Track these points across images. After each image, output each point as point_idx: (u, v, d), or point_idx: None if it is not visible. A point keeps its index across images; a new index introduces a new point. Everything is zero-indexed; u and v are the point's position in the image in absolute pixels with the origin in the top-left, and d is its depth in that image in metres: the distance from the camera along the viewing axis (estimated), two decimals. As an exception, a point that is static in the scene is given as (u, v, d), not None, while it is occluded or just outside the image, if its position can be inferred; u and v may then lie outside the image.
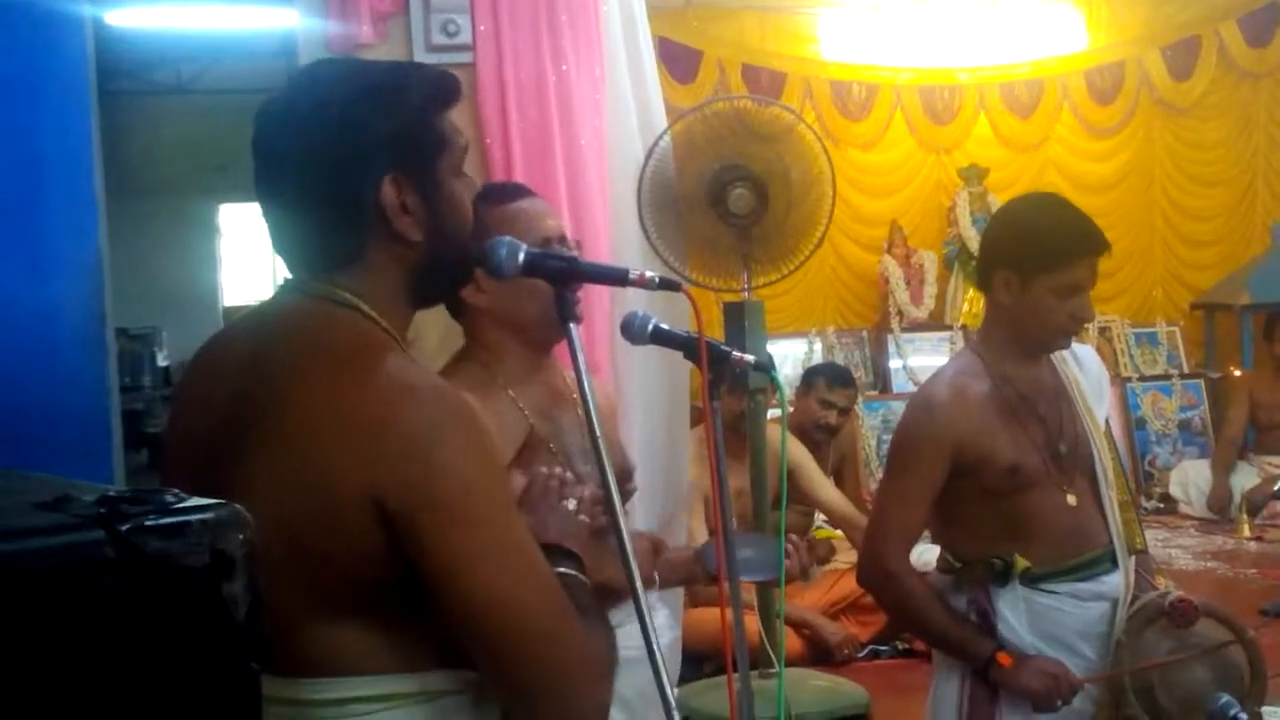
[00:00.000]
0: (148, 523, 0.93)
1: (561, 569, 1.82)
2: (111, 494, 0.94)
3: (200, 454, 1.74)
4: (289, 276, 1.84)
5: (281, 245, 1.84)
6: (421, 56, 4.06)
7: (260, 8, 7.03)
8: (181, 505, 0.94)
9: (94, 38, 5.98)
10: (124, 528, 0.91)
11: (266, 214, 1.82)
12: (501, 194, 2.66)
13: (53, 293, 5.57)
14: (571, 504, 2.05)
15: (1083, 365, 3.18)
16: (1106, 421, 3.17)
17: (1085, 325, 3.06)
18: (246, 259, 14.57)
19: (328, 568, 1.64)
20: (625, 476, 2.78)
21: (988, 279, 3.11)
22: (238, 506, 1.00)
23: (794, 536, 3.98)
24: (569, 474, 2.06)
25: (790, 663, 5.01)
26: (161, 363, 13.56)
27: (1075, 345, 3.25)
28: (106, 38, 7.99)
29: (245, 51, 10.39)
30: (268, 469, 1.64)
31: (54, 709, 0.90)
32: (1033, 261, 2.97)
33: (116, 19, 8.61)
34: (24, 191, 5.41)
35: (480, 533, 1.65)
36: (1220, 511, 7.69)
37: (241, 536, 0.97)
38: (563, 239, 2.64)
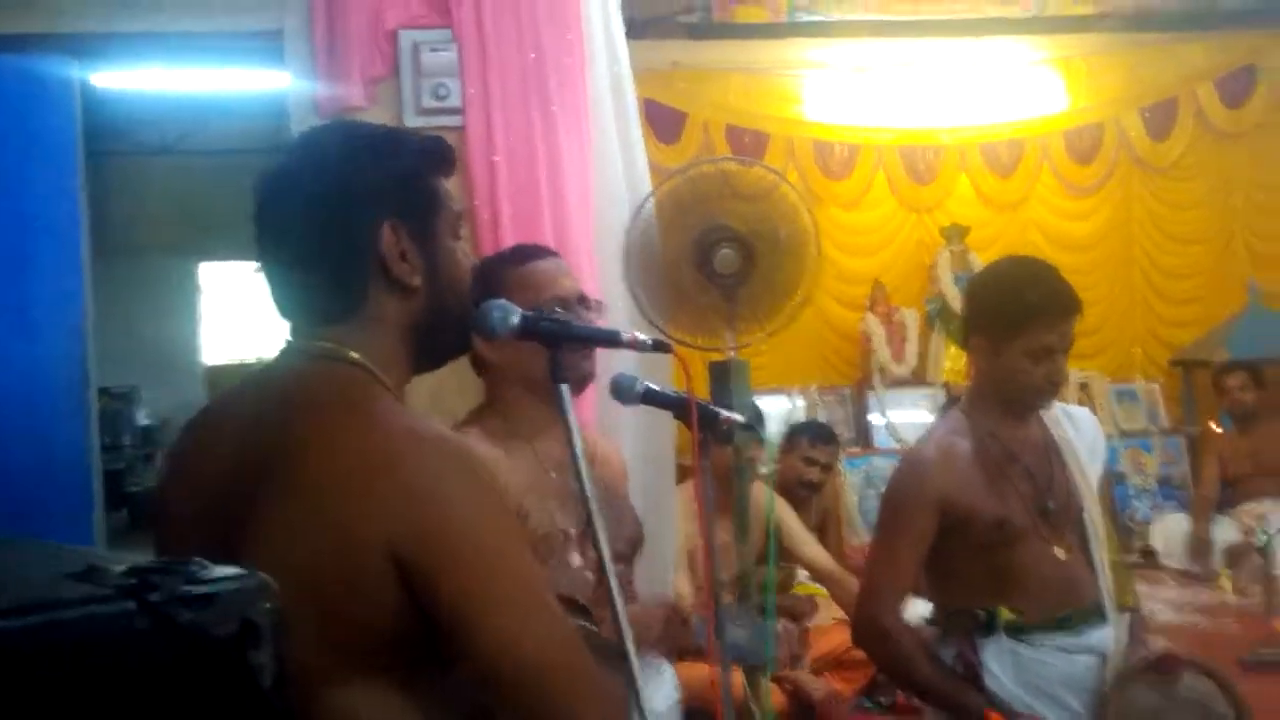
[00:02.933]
0: (178, 593, 0.95)
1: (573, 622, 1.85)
2: (140, 565, 0.97)
3: (206, 517, 1.75)
4: (290, 339, 1.87)
5: (284, 304, 1.88)
6: (411, 120, 4.11)
7: (247, 70, 7.07)
8: (210, 576, 0.97)
9: (81, 99, 6.03)
10: (155, 598, 0.93)
11: (268, 274, 1.86)
12: (522, 255, 2.73)
13: (38, 354, 5.59)
14: (576, 560, 2.08)
15: (1077, 426, 3.24)
16: (1101, 482, 3.21)
17: (1058, 386, 3.10)
18: (228, 318, 14.57)
19: (346, 625, 1.65)
20: (635, 535, 2.82)
21: (968, 342, 3.18)
22: (264, 576, 1.02)
23: (787, 623, 4.00)
24: (572, 530, 2.10)
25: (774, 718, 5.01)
26: (142, 422, 13.52)
27: (1071, 408, 3.34)
28: (94, 99, 8.01)
29: (231, 113, 10.44)
30: (281, 528, 1.66)
31: None
32: (1004, 325, 3.05)
33: (103, 81, 8.65)
34: (12, 252, 5.44)
35: (496, 580, 1.67)
36: (1201, 561, 7.73)
37: (268, 605, 1.00)
38: (581, 299, 2.69)
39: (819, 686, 5.49)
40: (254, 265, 1.89)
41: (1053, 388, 3.08)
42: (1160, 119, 9.53)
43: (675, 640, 2.65)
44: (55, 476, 5.70)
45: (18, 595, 0.94)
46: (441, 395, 3.31)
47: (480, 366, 2.68)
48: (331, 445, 1.67)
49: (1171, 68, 9.46)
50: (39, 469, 5.46)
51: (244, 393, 1.90)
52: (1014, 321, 3.04)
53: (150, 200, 13.10)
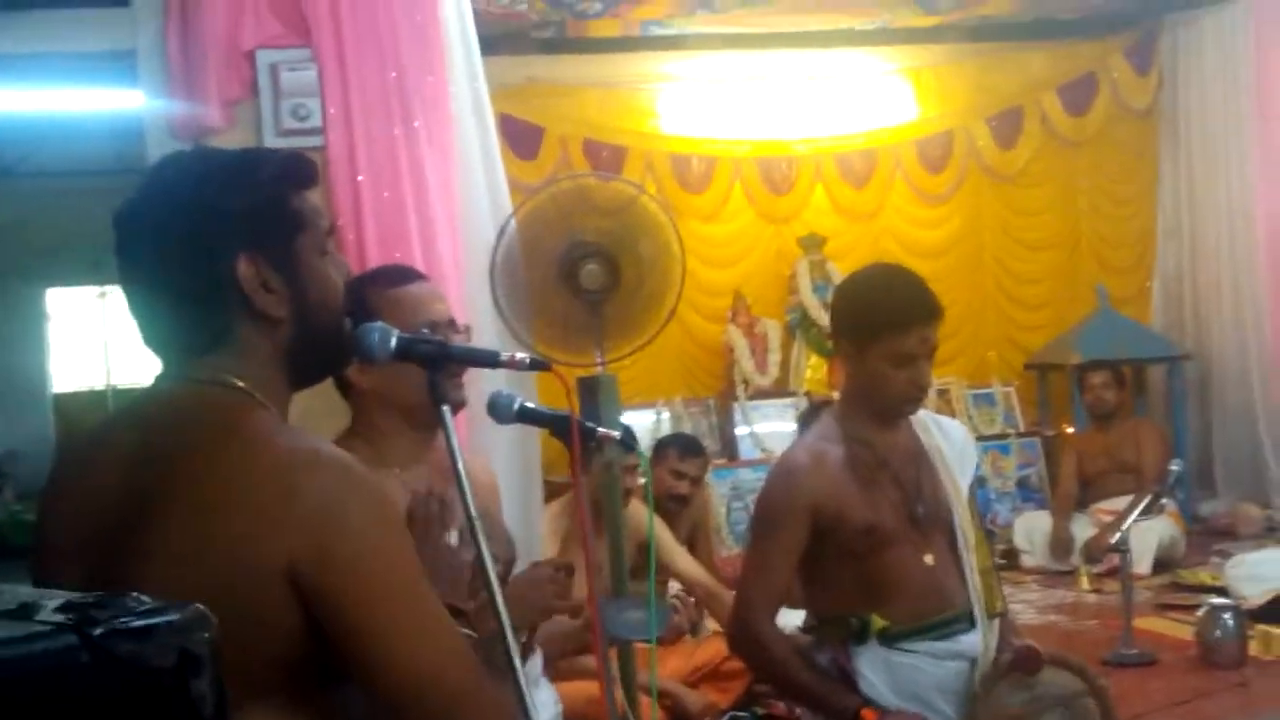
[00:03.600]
0: (118, 626, 0.94)
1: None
2: (76, 600, 0.96)
3: (89, 548, 1.71)
4: (163, 368, 1.84)
5: (151, 335, 1.84)
6: (271, 140, 4.07)
7: (93, 90, 6.92)
8: (147, 608, 0.96)
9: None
10: (96, 632, 0.92)
11: (132, 306, 1.82)
12: (392, 277, 2.70)
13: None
14: (453, 538, 2.08)
15: (947, 434, 3.28)
16: (971, 490, 3.27)
17: (923, 391, 3.14)
18: (76, 344, 14.24)
19: (243, 649, 1.59)
20: (509, 556, 2.81)
21: (835, 349, 3.24)
22: (201, 608, 1.02)
23: (681, 593, 4.01)
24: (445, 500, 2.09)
25: (652, 730, 5.02)
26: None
27: (942, 418, 3.39)
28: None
29: (74, 134, 10.21)
30: (171, 556, 1.63)
31: None
32: (865, 332, 3.10)
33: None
34: None
35: (392, 599, 1.67)
36: (1061, 557, 7.91)
37: (206, 635, 0.99)
38: (451, 323, 2.67)
39: (695, 698, 5.51)
40: (100, 290, 1.85)
41: (917, 392, 3.12)
42: (1006, 127, 9.77)
43: (556, 598, 2.62)
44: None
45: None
46: (307, 418, 3.27)
47: (347, 390, 2.64)
48: (222, 470, 1.65)
49: (1016, 77, 9.71)
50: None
51: (123, 421, 1.86)
52: (875, 328, 3.08)
53: (-9, 225, 12.77)
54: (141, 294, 1.81)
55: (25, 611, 0.95)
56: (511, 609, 2.06)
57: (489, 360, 2.19)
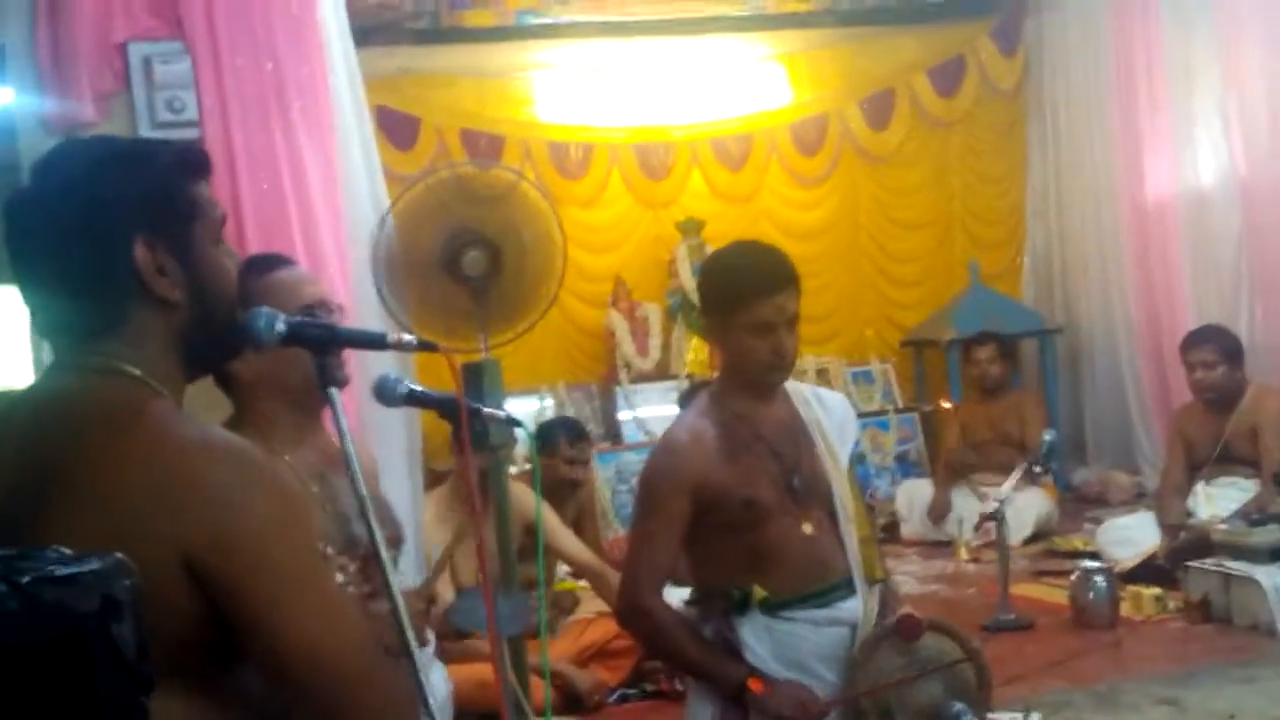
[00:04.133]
0: (44, 574, 0.98)
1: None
2: (3, 551, 0.99)
3: None
4: (56, 357, 1.84)
5: (45, 324, 1.84)
6: (147, 133, 4.04)
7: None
8: (70, 557, 0.99)
9: None
10: (24, 580, 0.95)
11: (26, 296, 1.82)
12: (263, 264, 2.70)
13: None
14: (340, 578, 2.10)
15: (826, 408, 3.34)
16: (851, 461, 3.34)
17: (786, 359, 3.17)
18: (5, 343, 13.91)
19: None
20: (396, 535, 2.84)
21: (703, 327, 3.30)
22: (121, 556, 1.05)
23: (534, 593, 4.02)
24: (329, 550, 2.11)
25: (543, 712, 5.07)
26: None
27: (823, 391, 3.45)
28: None
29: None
30: (68, 542, 1.62)
31: None
32: (723, 305, 3.16)
33: None
34: None
35: (294, 583, 1.69)
36: (938, 521, 8.07)
37: (128, 583, 1.03)
38: (324, 304, 2.69)
39: (585, 678, 5.57)
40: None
41: (780, 360, 3.16)
42: (879, 110, 9.93)
43: (427, 627, 2.67)
44: None
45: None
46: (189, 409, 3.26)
47: (228, 382, 2.64)
48: (118, 459, 1.66)
49: (887, 60, 9.87)
50: None
51: (14, 412, 1.84)
52: (730, 300, 3.14)
53: None
54: (35, 280, 1.80)
55: None
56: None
57: (377, 342, 2.21)
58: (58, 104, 4.01)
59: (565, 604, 6.36)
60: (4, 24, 4.10)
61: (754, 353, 3.13)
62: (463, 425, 2.29)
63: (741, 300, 3.10)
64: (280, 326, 2.03)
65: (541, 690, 5.36)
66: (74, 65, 4.01)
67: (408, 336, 2.18)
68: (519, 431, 3.01)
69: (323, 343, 2.09)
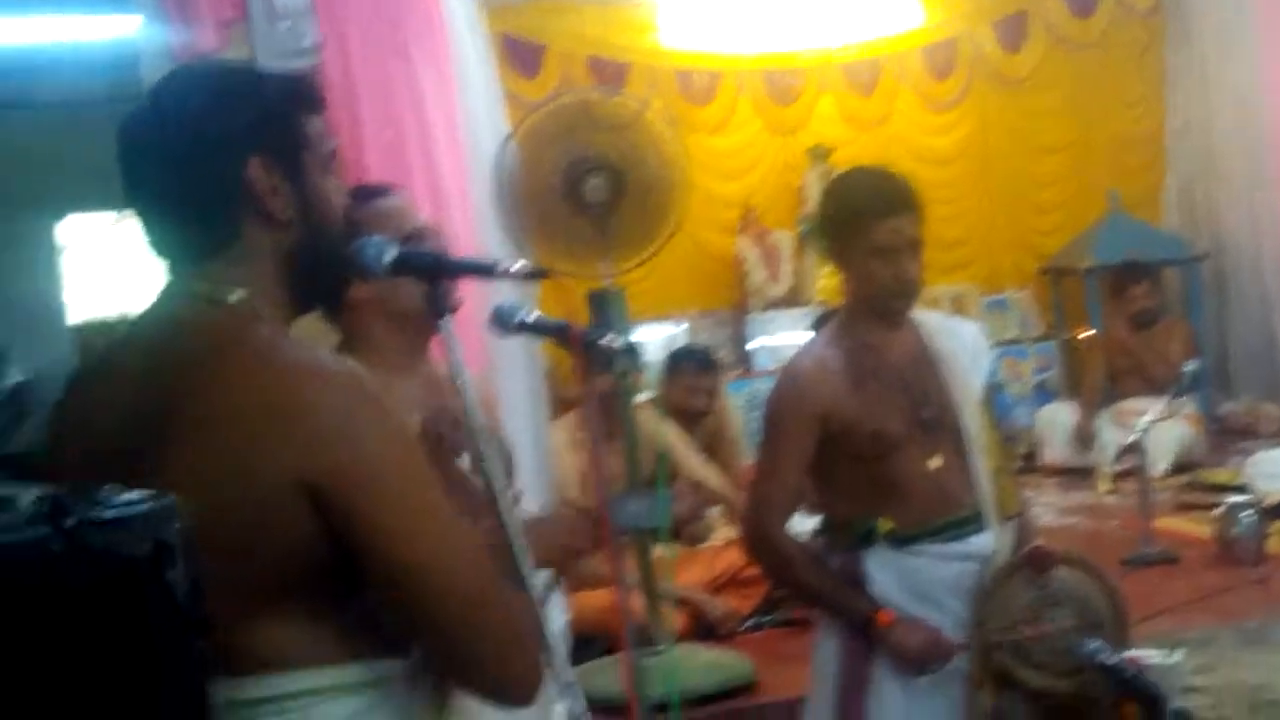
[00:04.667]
0: (91, 518, 0.95)
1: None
2: (52, 493, 0.97)
3: (102, 470, 1.71)
4: (167, 280, 1.84)
5: (157, 244, 1.84)
6: (266, 62, 4.03)
7: (96, 17, 6.89)
8: (121, 500, 0.97)
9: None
10: (69, 523, 0.93)
11: (139, 215, 1.82)
12: (367, 193, 2.68)
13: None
14: (465, 462, 2.08)
15: (958, 337, 3.27)
16: (985, 392, 3.25)
17: (909, 285, 3.10)
18: (92, 273, 14.22)
19: (258, 560, 1.64)
20: (508, 467, 2.81)
21: (827, 255, 3.24)
22: (174, 498, 1.03)
23: (681, 485, 3.96)
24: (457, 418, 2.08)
25: (678, 639, 5.06)
26: (11, 380, 13.19)
27: (954, 320, 3.38)
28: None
29: (80, 63, 10.16)
30: (185, 471, 1.62)
31: (7, 700, 0.92)
32: (843, 229, 3.11)
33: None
34: None
35: (407, 507, 1.68)
36: (1084, 445, 7.90)
37: (179, 526, 1.00)
38: (426, 231, 2.66)
39: (717, 605, 5.55)
40: (115, 217, 1.85)
41: (902, 287, 3.08)
42: (1012, 32, 9.65)
43: (580, 542, 2.60)
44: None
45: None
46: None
47: (337, 310, 2.63)
48: (229, 385, 1.66)
49: (1020, -20, 9.59)
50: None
51: (131, 341, 1.87)
52: (848, 225, 3.09)
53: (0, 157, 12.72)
54: (150, 199, 1.81)
55: (3, 505, 0.96)
56: (533, 548, 2.06)
57: (487, 269, 2.18)
58: (181, 33, 4.02)
59: (700, 531, 6.34)
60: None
61: (875, 278, 3.07)
62: (577, 352, 2.27)
63: (860, 224, 3.04)
64: (390, 255, 2.01)
65: (675, 616, 5.37)
66: (196, -7, 4.02)
67: (518, 263, 2.13)
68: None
69: (432, 270, 2.07)
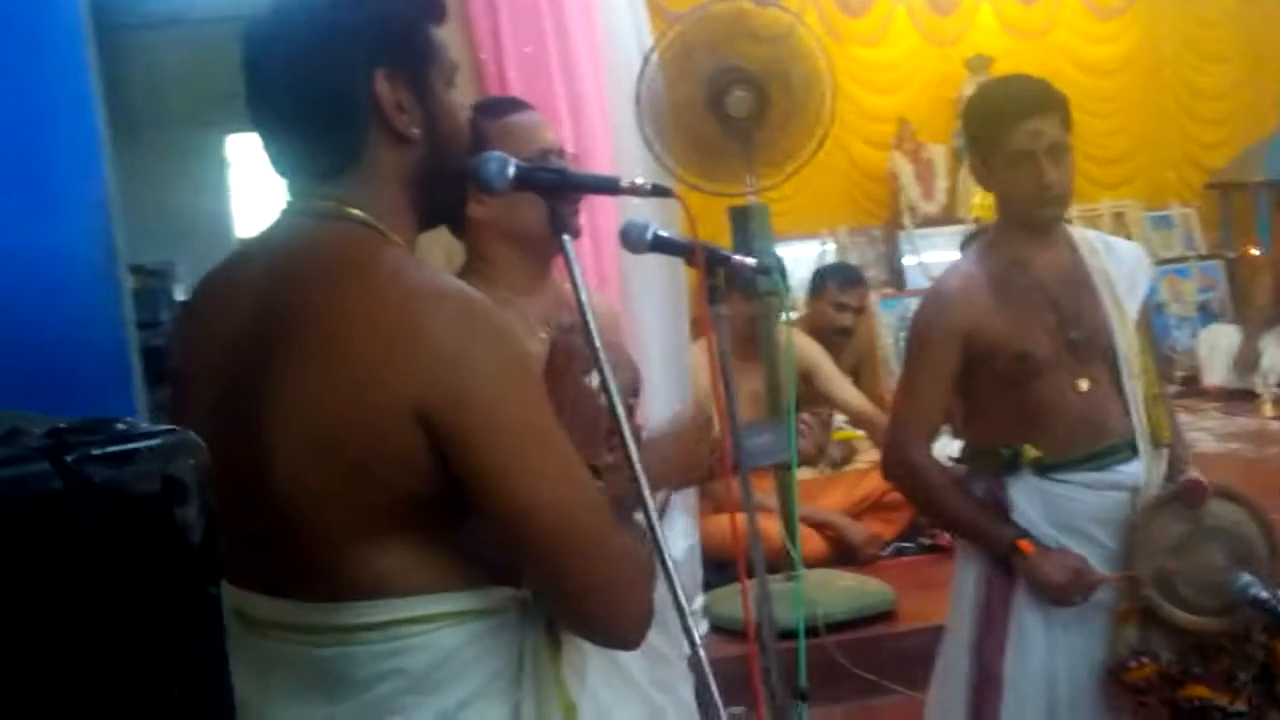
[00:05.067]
0: (94, 452, 0.92)
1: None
2: (61, 425, 0.94)
3: (222, 384, 1.72)
4: (289, 199, 1.81)
5: (280, 161, 1.80)
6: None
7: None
8: (130, 433, 0.94)
9: (85, -28, 5.93)
10: (70, 458, 0.90)
11: (262, 132, 1.80)
12: (498, 108, 2.65)
13: (61, 231, 5.56)
14: (594, 379, 2.04)
15: (1116, 255, 3.13)
16: (1141, 315, 3.13)
17: (1052, 189, 2.96)
18: (258, 189, 14.48)
19: (370, 483, 1.62)
20: (634, 385, 2.78)
21: (971, 171, 3.15)
22: (189, 432, 1.00)
23: (806, 416, 3.91)
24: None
25: (815, 564, 5.02)
26: (179, 297, 13.51)
27: (1113, 239, 3.25)
28: (98, -28, 7.89)
29: (241, -21, 10.29)
30: (302, 390, 1.61)
31: (6, 641, 0.90)
32: (982, 139, 3.01)
33: (105, -48, 8.50)
34: (25, 132, 5.39)
35: (524, 438, 1.64)
36: (1246, 370, 7.65)
37: (193, 462, 0.97)
38: (560, 152, 2.63)
39: (859, 530, 5.49)
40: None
41: (1045, 192, 2.94)
42: (1186, -66, 9.27)
43: (697, 460, 2.54)
44: (91, 355, 5.71)
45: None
46: (426, 257, 3.24)
47: (461, 225, 2.61)
48: (348, 307, 1.63)
49: (1194, -121, 9.19)
50: (73, 348, 5.47)
51: (253, 254, 1.84)
52: (987, 132, 2.98)
53: (167, 73, 12.94)
54: (274, 114, 1.78)
55: (9, 439, 0.93)
56: (655, 467, 2.02)
57: (609, 186, 2.13)
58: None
59: (841, 453, 6.28)
60: None
61: (1016, 185, 2.96)
62: (701, 269, 2.22)
63: (996, 129, 2.93)
64: (511, 171, 1.96)
65: (814, 541, 5.33)
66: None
67: (640, 180, 2.08)
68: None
69: (554, 187, 2.02)
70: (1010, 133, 2.91)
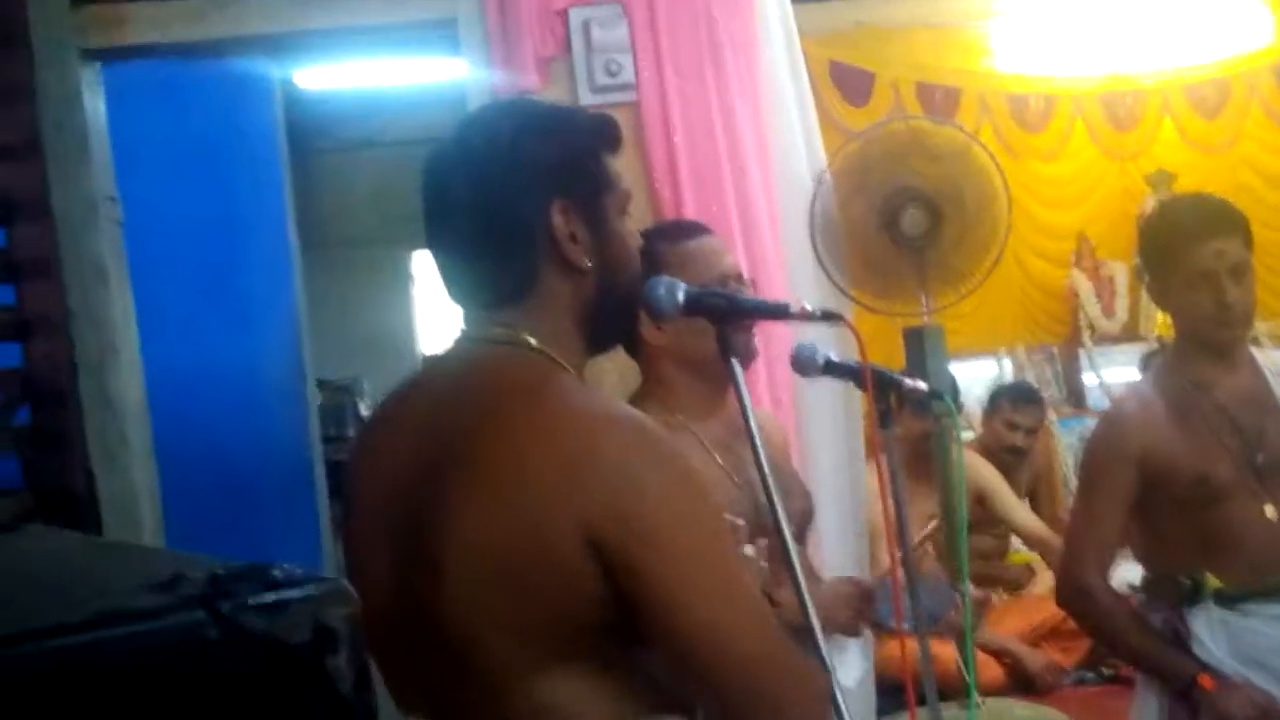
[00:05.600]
0: (250, 601, 0.95)
1: None
2: (219, 572, 0.97)
3: (393, 503, 1.75)
4: (464, 327, 1.86)
5: (455, 286, 1.86)
6: (585, 98, 4.10)
7: (435, 60, 7.20)
8: (285, 580, 0.96)
9: (283, 99, 6.20)
10: (226, 607, 0.93)
11: (438, 257, 1.85)
12: (679, 232, 2.69)
13: (254, 347, 5.77)
14: (749, 550, 2.05)
15: None
16: None
17: (1233, 310, 2.90)
18: (441, 306, 14.77)
19: (542, 611, 1.63)
20: (805, 508, 2.77)
21: (1148, 290, 3.10)
22: (342, 581, 1.02)
23: (974, 591, 3.82)
24: (742, 523, 2.07)
25: (992, 692, 4.89)
26: (364, 412, 13.81)
27: None
28: (295, 98, 8.25)
29: (426, 103, 10.64)
30: (473, 516, 1.63)
31: None
32: (1161, 259, 2.96)
33: (305, 80, 8.88)
34: (224, 249, 5.63)
35: (695, 563, 1.64)
36: None
37: (345, 611, 0.99)
38: (739, 277, 2.66)
39: (1037, 658, 5.35)
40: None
41: (1226, 313, 2.89)
42: (1375, 46, 9.02)
43: (861, 616, 2.57)
44: (277, 467, 5.88)
45: (93, 607, 0.94)
46: (600, 381, 3.28)
47: (637, 348, 2.64)
48: (522, 431, 1.65)
49: (1386, -8, 8.95)
50: (260, 461, 5.64)
51: (428, 379, 1.90)
52: (1166, 252, 2.94)
53: (357, 193, 13.37)
54: (450, 241, 1.83)
55: (172, 584, 0.96)
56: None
57: (779, 312, 2.15)
58: (504, 73, 4.11)
59: (1021, 578, 6.14)
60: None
61: (1196, 307, 2.89)
62: (868, 394, 2.22)
63: (1176, 249, 2.88)
64: (680, 296, 1.99)
65: (990, 668, 5.21)
66: (519, 32, 4.10)
67: (809, 306, 2.09)
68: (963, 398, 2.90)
69: (723, 312, 2.04)
70: (1192, 253, 2.86)
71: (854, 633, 2.62)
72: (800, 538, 2.72)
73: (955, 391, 5.89)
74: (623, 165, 1.91)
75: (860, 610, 2.58)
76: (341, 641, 0.96)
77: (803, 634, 1.95)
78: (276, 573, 0.95)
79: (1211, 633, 2.89)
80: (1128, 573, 3.36)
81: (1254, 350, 3.05)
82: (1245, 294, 2.89)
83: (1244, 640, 2.88)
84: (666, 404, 2.56)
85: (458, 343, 1.86)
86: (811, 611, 1.94)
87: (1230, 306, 2.88)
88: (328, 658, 0.96)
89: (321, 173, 12.56)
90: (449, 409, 1.74)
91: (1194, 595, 2.90)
